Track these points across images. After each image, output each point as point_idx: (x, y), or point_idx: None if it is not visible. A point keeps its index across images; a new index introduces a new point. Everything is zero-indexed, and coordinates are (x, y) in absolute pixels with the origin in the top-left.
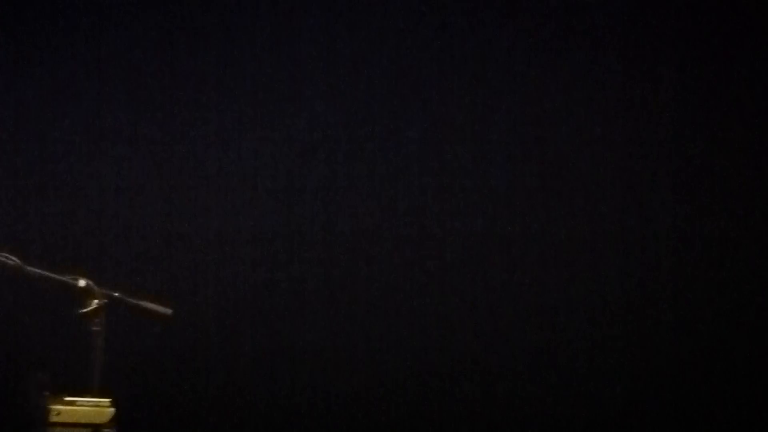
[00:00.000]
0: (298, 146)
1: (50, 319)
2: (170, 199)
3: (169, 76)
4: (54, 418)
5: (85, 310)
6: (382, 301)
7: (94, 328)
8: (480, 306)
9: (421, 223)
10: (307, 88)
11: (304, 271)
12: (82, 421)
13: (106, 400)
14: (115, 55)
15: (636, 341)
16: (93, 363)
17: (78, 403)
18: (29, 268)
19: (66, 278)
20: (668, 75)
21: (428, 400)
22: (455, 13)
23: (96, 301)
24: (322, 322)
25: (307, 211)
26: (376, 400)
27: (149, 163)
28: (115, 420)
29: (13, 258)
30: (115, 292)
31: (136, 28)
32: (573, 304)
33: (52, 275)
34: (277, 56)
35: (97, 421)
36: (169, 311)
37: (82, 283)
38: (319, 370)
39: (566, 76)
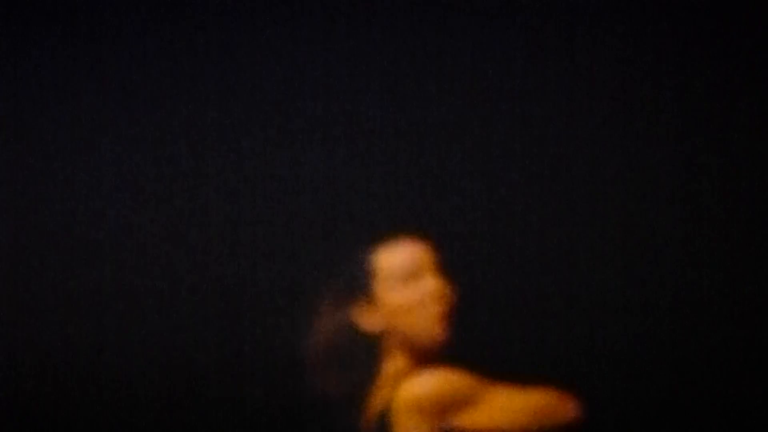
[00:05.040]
0: (298, 146)
1: None
2: (170, 199)
3: (169, 76)
4: None
5: None
6: None
7: None
8: (481, 306)
9: (421, 223)
10: (308, 87)
11: (305, 270)
12: None
13: None
14: (114, 55)
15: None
16: None
17: None
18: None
19: None
20: (669, 75)
21: None
22: (455, 12)
23: None
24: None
25: (307, 211)
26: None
27: (149, 163)
28: None
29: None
30: None
31: (135, 27)
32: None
33: None
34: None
35: None
36: None
37: None
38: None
39: (566, 75)
